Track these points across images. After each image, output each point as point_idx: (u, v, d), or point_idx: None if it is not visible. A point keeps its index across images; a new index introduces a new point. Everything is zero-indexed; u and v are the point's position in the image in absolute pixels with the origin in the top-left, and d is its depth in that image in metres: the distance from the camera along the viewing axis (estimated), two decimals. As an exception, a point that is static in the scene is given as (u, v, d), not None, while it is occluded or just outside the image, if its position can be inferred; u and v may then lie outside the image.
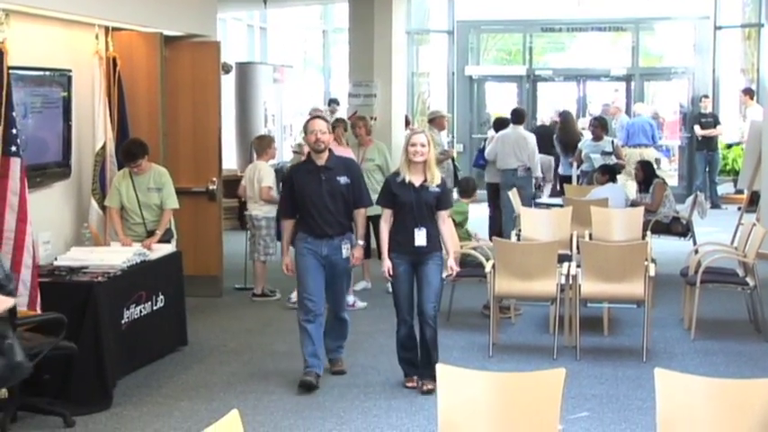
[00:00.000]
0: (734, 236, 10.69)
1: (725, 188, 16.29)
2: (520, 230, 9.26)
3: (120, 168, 7.75)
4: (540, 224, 9.18)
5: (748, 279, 7.91)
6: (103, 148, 7.77)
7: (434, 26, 19.13)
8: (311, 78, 19.87)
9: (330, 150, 6.68)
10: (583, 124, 15.49)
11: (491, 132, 13.30)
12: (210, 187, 9.24)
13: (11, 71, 6.25)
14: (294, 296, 8.34)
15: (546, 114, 17.59)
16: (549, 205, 11.02)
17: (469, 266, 8.11)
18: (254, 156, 9.77)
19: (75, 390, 6.12)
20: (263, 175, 9.31)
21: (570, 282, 7.46)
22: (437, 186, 6.40)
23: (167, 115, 8.80)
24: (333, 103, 17.01)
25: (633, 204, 10.32)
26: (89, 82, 7.80)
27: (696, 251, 8.72)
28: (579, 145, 12.70)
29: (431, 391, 6.16)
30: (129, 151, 7.49)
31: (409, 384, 6.54)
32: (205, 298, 9.02)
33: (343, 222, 6.66)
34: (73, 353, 5.97)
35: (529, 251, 7.57)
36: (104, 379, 6.20)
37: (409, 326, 6.49)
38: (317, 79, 19.90)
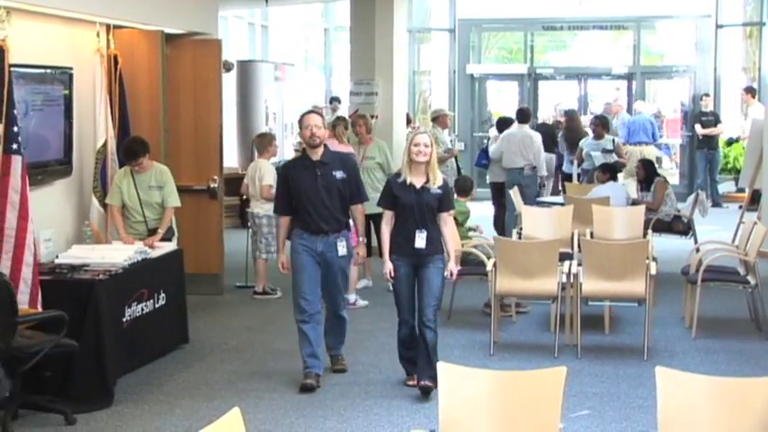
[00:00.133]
0: (735, 234, 10.70)
1: (726, 186, 16.27)
2: (521, 229, 9.26)
3: (121, 166, 7.74)
4: (541, 222, 9.18)
5: (749, 277, 7.91)
6: (105, 145, 7.77)
7: (436, 24, 19.13)
8: (312, 76, 19.84)
9: (325, 145, 6.65)
10: (584, 122, 15.48)
11: (493, 131, 13.31)
12: (212, 185, 9.23)
13: (12, 69, 6.24)
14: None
15: (547, 113, 17.59)
16: (550, 203, 11.02)
17: (471, 265, 8.11)
18: (256, 154, 9.78)
19: (77, 387, 6.12)
20: (263, 174, 9.31)
21: (571, 280, 7.46)
22: (439, 188, 6.33)
23: (168, 113, 8.80)
24: (334, 101, 16.98)
25: (634, 203, 10.32)
26: (90, 80, 7.80)
27: (697, 249, 8.71)
28: (580, 143, 12.69)
29: (429, 390, 6.16)
30: (131, 149, 7.48)
31: (410, 383, 6.52)
32: (206, 296, 9.02)
33: (340, 218, 6.61)
34: (74, 351, 5.97)
35: (530, 249, 7.56)
36: (105, 377, 6.20)
37: (410, 326, 6.46)
38: (319, 77, 19.88)
